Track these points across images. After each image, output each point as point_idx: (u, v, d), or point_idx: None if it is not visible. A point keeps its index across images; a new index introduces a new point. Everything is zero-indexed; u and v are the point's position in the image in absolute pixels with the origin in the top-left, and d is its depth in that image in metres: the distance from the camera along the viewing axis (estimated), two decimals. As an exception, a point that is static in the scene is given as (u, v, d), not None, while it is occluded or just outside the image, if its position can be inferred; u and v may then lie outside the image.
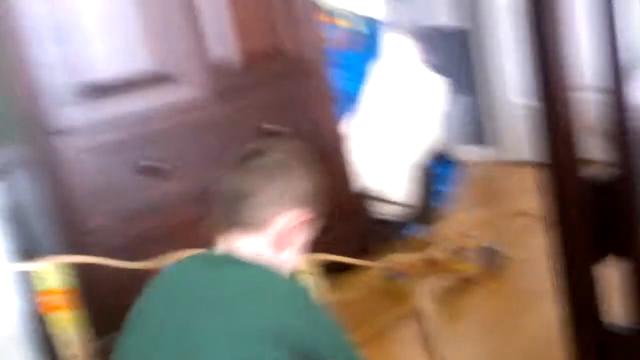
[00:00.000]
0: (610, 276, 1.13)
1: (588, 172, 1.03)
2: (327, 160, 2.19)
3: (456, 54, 3.47)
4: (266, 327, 0.84)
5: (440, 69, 2.66)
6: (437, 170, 2.77)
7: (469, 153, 3.57)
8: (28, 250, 1.77)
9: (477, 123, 3.48)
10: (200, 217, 1.67)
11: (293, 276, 0.96)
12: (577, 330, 1.08)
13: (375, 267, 2.05)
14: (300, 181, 0.99)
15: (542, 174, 1.04)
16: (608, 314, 1.07)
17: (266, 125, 2.00)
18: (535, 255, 1.99)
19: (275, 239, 0.96)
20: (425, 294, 1.71)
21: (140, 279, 1.66)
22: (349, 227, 2.23)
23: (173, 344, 0.86)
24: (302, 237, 1.02)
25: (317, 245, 1.80)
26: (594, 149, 1.02)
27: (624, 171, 0.97)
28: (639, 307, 1.01)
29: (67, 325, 1.35)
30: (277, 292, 0.90)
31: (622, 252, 1.02)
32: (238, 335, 0.84)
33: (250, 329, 0.84)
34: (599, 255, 1.06)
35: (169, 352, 0.86)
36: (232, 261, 0.93)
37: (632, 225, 0.98)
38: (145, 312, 0.94)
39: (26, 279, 1.90)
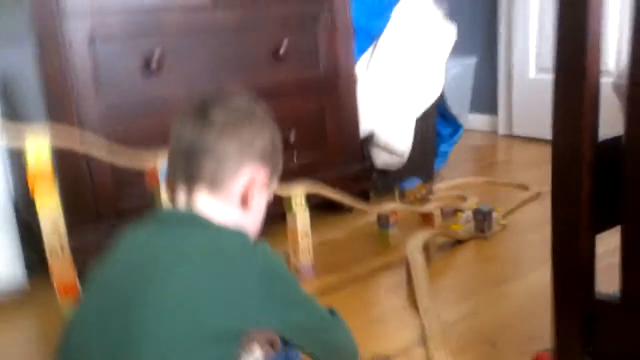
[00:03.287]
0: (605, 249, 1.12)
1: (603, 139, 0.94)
2: (339, 100, 2.11)
3: (484, 17, 3.39)
4: (219, 297, 0.77)
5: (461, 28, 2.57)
6: (441, 129, 2.72)
7: (478, 121, 3.53)
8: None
9: (492, 92, 3.42)
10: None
11: (261, 247, 0.85)
12: (567, 298, 1.04)
13: (369, 212, 1.98)
14: (264, 134, 0.90)
15: (556, 133, 0.93)
16: (601, 285, 1.03)
17: (281, 49, 1.90)
18: (528, 225, 1.96)
19: (240, 197, 0.88)
20: (415, 245, 1.67)
21: (123, 183, 1.62)
22: (350, 171, 2.17)
23: (114, 328, 0.76)
24: (264, 196, 0.93)
25: (316, 183, 1.82)
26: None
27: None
28: (630, 277, 0.96)
29: (55, 210, 1.26)
30: (243, 281, 0.80)
31: (621, 220, 0.95)
32: (189, 334, 0.75)
33: (199, 298, 0.76)
34: (601, 224, 1.02)
35: (107, 340, 0.76)
36: (190, 222, 0.84)
37: (631, 191, 0.90)
38: (96, 283, 0.84)
39: (13, 162, 1.86)
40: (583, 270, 1.00)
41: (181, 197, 0.88)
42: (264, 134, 0.91)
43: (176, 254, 0.80)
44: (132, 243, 0.86)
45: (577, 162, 0.94)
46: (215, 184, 0.86)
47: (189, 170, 0.87)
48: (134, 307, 0.76)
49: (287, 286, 0.86)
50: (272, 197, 0.98)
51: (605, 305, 0.99)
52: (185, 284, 0.77)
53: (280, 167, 0.97)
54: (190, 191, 0.87)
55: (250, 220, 0.92)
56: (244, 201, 0.89)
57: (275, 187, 0.98)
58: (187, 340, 0.75)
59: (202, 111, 0.87)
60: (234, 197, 0.88)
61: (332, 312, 0.94)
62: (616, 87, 1.44)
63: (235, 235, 0.85)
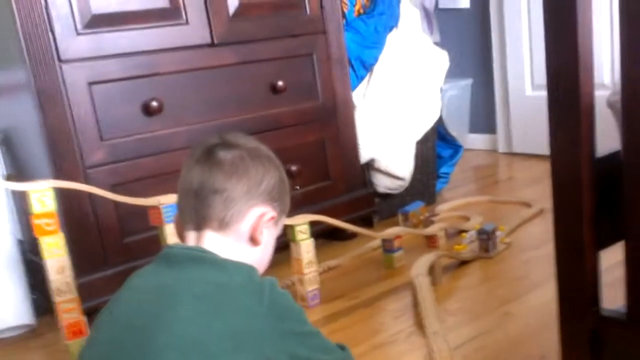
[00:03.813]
0: (612, 262, 1.11)
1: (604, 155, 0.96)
2: (339, 128, 2.12)
3: (477, 40, 3.41)
4: (227, 332, 0.77)
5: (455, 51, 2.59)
6: (441, 151, 2.72)
7: (478, 140, 3.53)
8: (22, 175, 1.70)
9: (489, 111, 3.42)
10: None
11: (268, 282, 0.84)
12: (572, 315, 1.03)
13: (373, 237, 1.98)
14: (270, 174, 0.91)
15: (555, 152, 0.96)
16: (606, 301, 1.01)
17: (279, 83, 1.92)
18: (533, 243, 1.94)
19: (248, 235, 0.89)
20: (420, 269, 1.66)
21: (128, 222, 1.63)
22: (353, 197, 2.17)
23: (126, 350, 0.77)
24: (273, 233, 0.95)
25: (319, 213, 1.82)
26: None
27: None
28: (636, 292, 0.92)
29: (60, 251, 1.26)
30: (244, 305, 0.80)
31: (624, 236, 0.94)
32: (194, 339, 0.76)
33: (207, 332, 0.76)
34: (605, 239, 1.01)
35: None
36: (200, 258, 0.84)
37: (632, 207, 0.89)
38: (104, 324, 0.84)
39: (17, 203, 1.86)
40: (587, 286, 0.98)
41: (190, 236, 0.89)
42: (271, 173, 0.92)
43: (184, 294, 0.80)
44: (141, 283, 0.86)
45: (577, 179, 0.93)
46: (223, 224, 0.87)
47: (198, 210, 0.87)
48: (145, 349, 0.76)
49: (295, 321, 0.85)
50: (280, 232, 0.98)
51: (612, 321, 0.98)
52: (194, 323, 0.77)
53: (288, 203, 0.97)
54: (199, 230, 0.88)
55: (260, 256, 0.93)
56: (253, 239, 0.90)
57: (284, 223, 0.99)
58: (198, 343, 0.75)
59: (210, 153, 0.89)
60: (242, 235, 0.89)
61: (342, 348, 0.93)
62: (610, 104, 1.43)
63: (242, 270, 0.85)
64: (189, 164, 0.90)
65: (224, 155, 0.88)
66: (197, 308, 0.78)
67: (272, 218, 0.92)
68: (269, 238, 0.93)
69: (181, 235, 0.92)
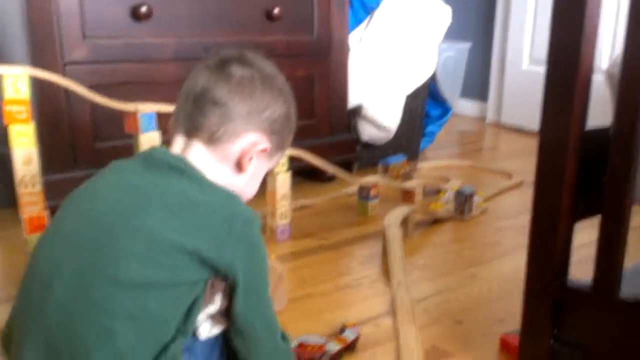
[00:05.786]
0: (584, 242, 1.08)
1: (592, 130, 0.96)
2: (330, 68, 2.08)
3: (482, 4, 3.36)
4: (190, 249, 0.75)
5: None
6: (430, 110, 2.71)
7: (468, 106, 3.51)
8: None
9: (484, 79, 3.40)
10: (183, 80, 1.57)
11: (247, 215, 0.81)
12: (539, 281, 1.03)
13: (350, 183, 1.97)
14: (278, 105, 0.87)
15: (546, 118, 0.94)
16: (573, 273, 1.03)
17: (275, 10, 1.86)
18: (508, 212, 1.96)
19: (236, 158, 0.85)
20: (394, 220, 1.66)
21: (102, 126, 1.59)
22: (335, 140, 2.15)
23: (87, 246, 0.75)
24: (264, 166, 0.90)
25: (301, 149, 1.79)
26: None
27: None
28: (603, 265, 0.93)
29: (29, 142, 1.21)
30: (216, 220, 0.78)
31: (602, 208, 0.92)
32: (156, 249, 0.74)
33: (171, 244, 0.74)
34: (581, 212, 1.01)
35: (80, 257, 0.74)
36: (180, 169, 0.81)
37: (615, 180, 0.89)
38: (69, 212, 0.81)
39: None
40: (558, 255, 0.99)
41: (178, 142, 0.85)
42: (278, 105, 0.87)
43: (157, 201, 0.77)
44: (116, 180, 0.82)
45: (563, 150, 0.93)
46: (213, 139, 0.83)
47: (192, 116, 0.84)
48: (106, 250, 0.74)
49: (257, 269, 0.82)
50: (272, 168, 0.95)
51: (576, 292, 0.99)
52: (160, 233, 0.75)
53: (288, 142, 0.93)
54: (188, 138, 0.84)
55: (242, 185, 0.88)
56: (239, 165, 0.86)
57: (278, 161, 0.95)
58: (159, 253, 0.74)
59: (223, 63, 0.85)
60: (229, 157, 0.85)
61: (284, 338, 0.88)
62: (610, 75, 1.42)
63: (220, 194, 0.82)
64: (199, 68, 0.86)
65: (236, 70, 0.84)
66: (166, 219, 0.75)
67: (265, 150, 0.87)
68: (257, 169, 0.89)
69: (169, 138, 0.88)
